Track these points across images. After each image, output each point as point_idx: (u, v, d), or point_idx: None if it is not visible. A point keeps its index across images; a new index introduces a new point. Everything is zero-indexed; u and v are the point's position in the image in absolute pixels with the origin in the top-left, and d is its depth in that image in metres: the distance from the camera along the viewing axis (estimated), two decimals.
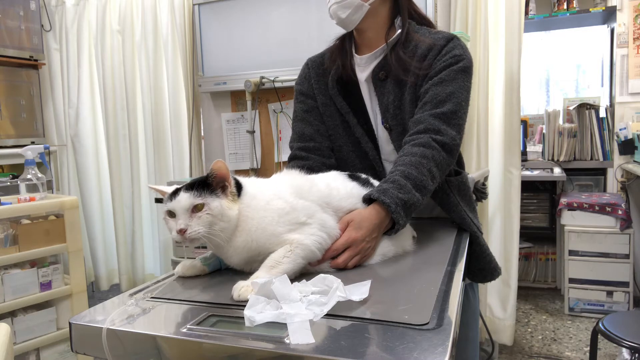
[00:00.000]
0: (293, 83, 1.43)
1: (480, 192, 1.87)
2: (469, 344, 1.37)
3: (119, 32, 3.10)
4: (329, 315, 0.68)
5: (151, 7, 2.96)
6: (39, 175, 2.04)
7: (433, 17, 2.32)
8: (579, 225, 2.79)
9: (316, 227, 0.89)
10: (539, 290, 3.24)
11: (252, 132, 2.65)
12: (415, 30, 1.24)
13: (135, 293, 0.84)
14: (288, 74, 2.48)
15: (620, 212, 2.68)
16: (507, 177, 2.32)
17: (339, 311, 0.69)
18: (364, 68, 1.28)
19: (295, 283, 0.76)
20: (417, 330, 0.63)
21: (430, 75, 1.17)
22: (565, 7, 3.10)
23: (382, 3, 1.24)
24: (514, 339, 2.39)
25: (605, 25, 3.26)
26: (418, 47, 1.20)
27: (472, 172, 1.99)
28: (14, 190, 2.48)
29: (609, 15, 3.03)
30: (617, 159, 2.99)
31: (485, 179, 2.14)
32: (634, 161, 2.86)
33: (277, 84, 2.52)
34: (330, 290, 0.72)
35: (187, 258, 0.97)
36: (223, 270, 0.94)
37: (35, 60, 3.19)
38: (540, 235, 3.27)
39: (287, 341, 0.61)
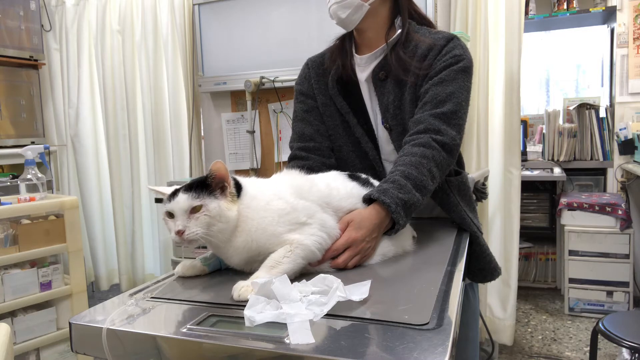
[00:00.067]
0: (293, 83, 1.43)
1: (480, 192, 1.87)
2: (469, 344, 1.37)
3: (119, 32, 3.10)
4: (329, 315, 0.68)
5: (151, 7, 2.96)
6: (39, 175, 2.04)
7: (433, 17, 2.32)
8: (579, 225, 2.78)
9: (316, 227, 0.89)
10: (539, 290, 3.24)
11: (252, 132, 2.65)
12: (416, 30, 1.24)
13: (135, 293, 0.84)
14: (288, 74, 2.47)
15: (620, 212, 2.68)
16: (507, 177, 2.32)
17: (339, 311, 0.69)
18: (364, 68, 1.28)
19: (295, 283, 0.76)
20: (417, 330, 0.63)
21: (431, 75, 1.17)
22: (565, 7, 3.10)
23: (382, 3, 1.23)
24: (514, 339, 2.39)
25: (605, 25, 3.26)
26: (418, 47, 1.20)
27: (472, 172, 1.99)
28: (14, 190, 2.48)
29: (609, 15, 3.03)
30: (617, 159, 2.99)
31: (485, 179, 2.14)
32: (634, 161, 2.86)
33: (277, 84, 2.52)
34: (330, 290, 0.72)
35: (186, 258, 0.97)
36: (223, 270, 0.94)
37: (35, 60, 3.19)
38: (540, 235, 3.27)
39: (287, 341, 0.61)
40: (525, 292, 3.16)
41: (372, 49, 1.26)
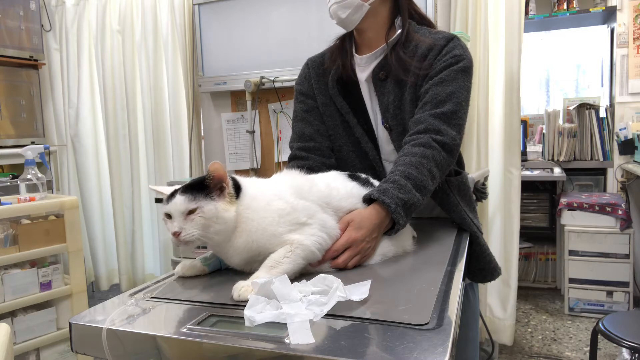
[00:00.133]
0: (293, 83, 1.43)
1: (480, 192, 1.87)
2: (469, 344, 1.37)
3: (119, 32, 3.10)
4: (329, 315, 0.68)
5: (151, 7, 2.96)
6: (39, 175, 2.04)
7: (433, 17, 2.32)
8: (579, 225, 2.78)
9: (316, 227, 0.89)
10: (539, 290, 3.24)
11: (252, 132, 2.65)
12: (416, 30, 1.24)
13: (135, 293, 0.84)
14: (288, 74, 2.47)
15: (620, 212, 2.68)
16: (507, 177, 2.32)
17: (339, 311, 0.69)
18: (364, 68, 1.28)
19: (295, 283, 0.76)
20: (417, 330, 0.63)
21: (431, 75, 1.17)
22: (565, 7, 3.10)
23: (382, 3, 1.23)
24: (514, 339, 2.39)
25: (605, 25, 3.26)
26: (418, 47, 1.20)
27: (472, 172, 1.99)
28: (14, 190, 2.48)
29: (609, 15, 3.03)
30: (617, 159, 2.99)
31: (485, 179, 2.14)
32: (634, 161, 2.86)
33: (277, 84, 2.52)
34: (330, 290, 0.72)
35: (186, 258, 0.97)
36: (223, 270, 0.94)
37: (35, 60, 3.19)
38: (540, 235, 3.27)
39: (287, 341, 0.61)
40: (525, 292, 3.16)
41: (372, 49, 1.26)
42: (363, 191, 1.02)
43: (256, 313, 0.67)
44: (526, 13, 3.00)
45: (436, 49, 1.18)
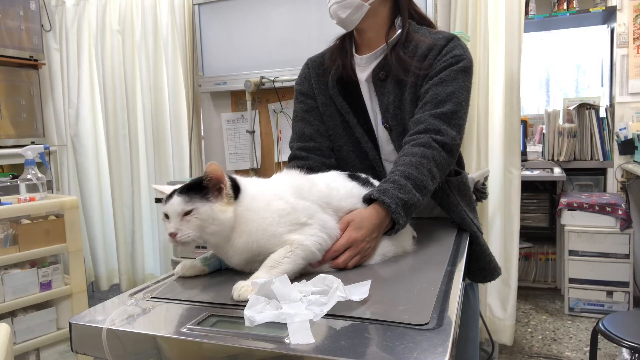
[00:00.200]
0: (293, 83, 1.43)
1: (480, 192, 1.87)
2: (469, 344, 1.37)
3: (119, 32, 3.10)
4: (329, 315, 0.68)
5: (151, 7, 2.96)
6: (39, 175, 2.04)
7: (433, 17, 2.32)
8: (579, 225, 2.78)
9: (317, 227, 0.89)
10: (539, 290, 3.24)
11: (252, 132, 2.65)
12: (416, 30, 1.24)
13: (135, 293, 0.84)
14: (288, 74, 2.47)
15: (620, 212, 2.68)
16: (507, 177, 2.32)
17: (339, 311, 0.69)
18: (364, 68, 1.28)
19: (295, 283, 0.76)
20: (417, 330, 0.63)
21: (431, 75, 1.17)
22: (565, 7, 3.10)
23: (382, 3, 1.23)
24: (514, 339, 2.39)
25: (605, 25, 3.26)
26: (418, 47, 1.20)
27: (472, 172, 1.99)
28: (14, 190, 2.48)
29: (609, 15, 3.03)
30: (617, 159, 2.99)
31: (485, 179, 2.14)
32: (634, 161, 2.86)
33: (277, 84, 2.52)
34: (330, 290, 0.72)
35: (186, 258, 0.97)
36: (223, 270, 0.94)
37: (35, 60, 3.19)
38: (540, 235, 3.27)
39: (287, 341, 0.61)
40: (525, 292, 3.16)
41: (372, 49, 1.26)
42: (363, 191, 1.02)
43: (256, 313, 0.67)
44: (526, 13, 3.00)
45: (436, 49, 1.18)
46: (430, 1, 2.31)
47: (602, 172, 3.13)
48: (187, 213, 0.82)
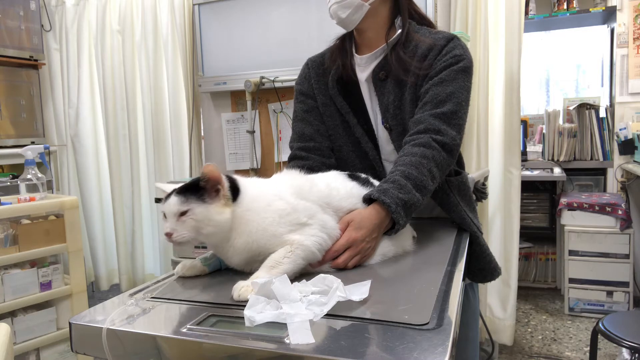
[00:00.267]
0: (293, 83, 1.43)
1: (480, 192, 1.87)
2: (469, 344, 1.37)
3: (119, 32, 3.10)
4: (329, 315, 0.68)
5: (151, 7, 2.96)
6: (39, 175, 2.04)
7: (433, 17, 2.32)
8: (579, 225, 2.78)
9: (317, 228, 0.89)
10: (539, 290, 3.24)
11: (252, 132, 2.65)
12: (416, 30, 1.24)
13: (135, 293, 0.84)
14: (288, 74, 2.47)
15: (620, 212, 2.68)
16: (507, 177, 2.32)
17: (339, 311, 0.69)
18: (364, 68, 1.28)
19: (295, 283, 0.76)
20: (417, 330, 0.63)
21: (431, 75, 1.17)
22: (565, 7, 3.10)
23: (382, 3, 1.23)
24: (514, 339, 2.39)
25: (605, 25, 3.26)
26: (418, 47, 1.20)
27: (472, 172, 1.99)
28: (14, 190, 2.48)
29: (609, 15, 3.03)
30: (617, 159, 2.99)
31: (485, 179, 2.14)
32: (634, 161, 2.86)
33: (277, 84, 2.52)
34: (330, 290, 0.72)
35: (185, 258, 0.97)
36: (223, 270, 0.94)
37: (35, 60, 3.19)
38: (540, 235, 3.27)
39: (287, 341, 0.61)
40: (525, 292, 3.16)
41: (372, 49, 1.26)
42: (363, 191, 1.02)
43: (256, 313, 0.67)
44: (526, 13, 3.00)
45: (436, 49, 1.18)
46: (430, 1, 2.31)
47: (602, 172, 3.13)
48: (183, 213, 0.82)
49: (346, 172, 1.09)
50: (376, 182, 1.08)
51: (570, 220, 2.82)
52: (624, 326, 1.60)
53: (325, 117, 1.31)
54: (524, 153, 3.18)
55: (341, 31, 1.31)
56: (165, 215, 0.84)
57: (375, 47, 1.25)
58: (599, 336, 1.68)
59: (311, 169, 1.21)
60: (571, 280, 2.80)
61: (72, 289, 2.07)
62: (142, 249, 3.19)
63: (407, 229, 1.06)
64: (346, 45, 1.30)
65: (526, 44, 3.37)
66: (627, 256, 2.69)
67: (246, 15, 2.66)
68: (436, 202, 1.24)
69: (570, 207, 2.82)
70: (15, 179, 2.61)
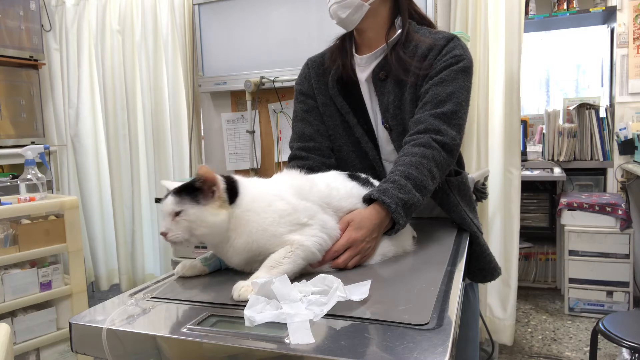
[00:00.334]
0: (293, 83, 1.43)
1: (480, 192, 1.87)
2: (469, 344, 1.37)
3: (119, 32, 3.10)
4: (329, 315, 0.68)
5: (151, 7, 2.96)
6: (39, 175, 2.04)
7: (433, 17, 2.32)
8: (579, 225, 2.78)
9: (317, 228, 0.89)
10: (539, 290, 3.24)
11: (252, 132, 2.65)
12: (416, 30, 1.24)
13: (135, 293, 0.84)
14: (288, 74, 2.47)
15: (620, 212, 2.68)
16: (507, 177, 2.32)
17: (339, 311, 0.69)
18: (364, 68, 1.28)
19: (295, 283, 0.76)
20: (417, 330, 0.63)
21: (431, 75, 1.17)
22: (565, 7, 3.10)
23: (382, 3, 1.23)
24: (514, 339, 2.39)
25: (605, 25, 3.26)
26: (418, 47, 1.20)
27: (472, 172, 1.99)
28: (14, 190, 2.48)
29: (609, 15, 3.03)
30: (617, 159, 2.99)
31: (485, 179, 2.14)
32: (634, 161, 2.86)
33: (277, 84, 2.52)
34: (330, 290, 0.72)
35: (185, 258, 0.97)
36: (223, 270, 0.94)
37: (35, 60, 3.19)
38: (540, 235, 3.27)
39: (287, 341, 0.61)
40: (525, 292, 3.16)
41: (372, 49, 1.26)
42: (363, 191, 1.02)
43: (256, 313, 0.67)
44: (526, 13, 3.00)
45: (436, 49, 1.18)
46: (430, 1, 2.31)
47: (602, 172, 3.13)
48: (178, 214, 0.83)
49: (346, 172, 1.09)
50: (376, 182, 1.08)
51: (570, 220, 2.82)
52: (624, 326, 1.60)
53: (325, 117, 1.31)
54: (524, 153, 3.18)
55: (341, 31, 1.31)
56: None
57: (375, 47, 1.25)
58: (599, 336, 1.68)
59: (311, 169, 1.21)
60: (571, 280, 2.80)
61: (72, 289, 2.07)
62: (142, 249, 3.19)
63: (407, 229, 1.06)
64: (346, 45, 1.30)
65: (526, 44, 3.37)
66: (627, 256, 2.69)
67: (246, 15, 2.66)
68: (436, 202, 1.24)
69: (570, 207, 2.82)
70: (15, 179, 2.61)
